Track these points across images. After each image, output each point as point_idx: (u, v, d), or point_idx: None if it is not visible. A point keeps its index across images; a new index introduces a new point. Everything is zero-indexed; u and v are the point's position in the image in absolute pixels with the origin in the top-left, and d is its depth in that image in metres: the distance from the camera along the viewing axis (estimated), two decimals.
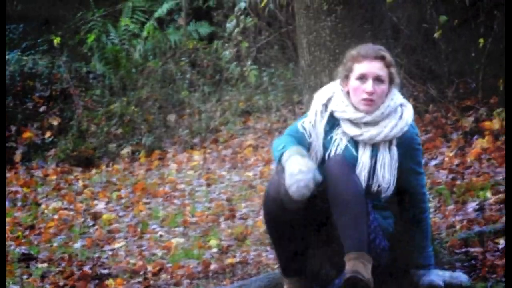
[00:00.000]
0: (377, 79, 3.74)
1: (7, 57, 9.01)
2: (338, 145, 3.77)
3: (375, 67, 3.76)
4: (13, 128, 8.64)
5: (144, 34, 9.73)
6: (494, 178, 5.74)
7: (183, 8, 9.83)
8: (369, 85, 3.73)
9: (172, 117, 8.77)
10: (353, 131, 3.76)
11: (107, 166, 8.17)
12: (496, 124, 6.84)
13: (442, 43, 7.71)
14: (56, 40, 9.26)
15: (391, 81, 3.79)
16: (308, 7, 4.22)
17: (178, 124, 8.72)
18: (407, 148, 3.79)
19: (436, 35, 7.47)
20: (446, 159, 6.44)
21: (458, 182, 5.85)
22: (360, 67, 3.76)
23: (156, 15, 9.93)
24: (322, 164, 3.71)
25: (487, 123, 6.89)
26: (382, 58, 3.78)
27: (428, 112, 7.51)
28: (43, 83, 9.17)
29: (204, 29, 10.02)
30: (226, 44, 9.14)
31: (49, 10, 10.25)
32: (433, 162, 6.44)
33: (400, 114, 3.79)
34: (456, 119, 7.22)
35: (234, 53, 8.99)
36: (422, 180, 3.89)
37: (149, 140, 8.46)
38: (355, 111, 3.76)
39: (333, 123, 3.82)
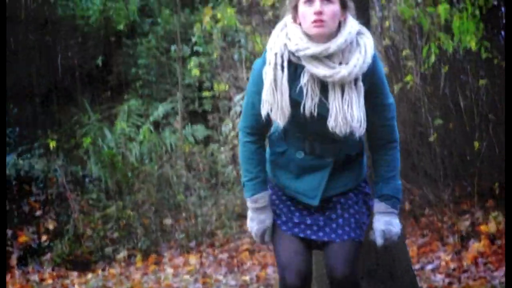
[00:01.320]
0: (323, 0, 3.54)
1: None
2: (311, 96, 3.58)
3: None
4: (9, 232, 8.78)
5: (140, 137, 9.99)
6: (491, 283, 5.86)
7: (178, 112, 10.07)
8: (317, 4, 3.53)
9: (168, 221, 8.95)
10: (322, 71, 3.55)
11: (103, 270, 8.33)
12: (492, 227, 7.00)
13: (438, 146, 7.91)
14: (52, 144, 9.50)
15: (343, 5, 3.60)
16: None
17: (174, 228, 8.90)
18: (371, 82, 3.65)
19: (431, 138, 7.70)
20: (443, 263, 6.59)
21: (455, 286, 5.97)
22: None
23: (152, 118, 10.20)
24: (293, 118, 3.58)
25: (483, 227, 7.06)
26: None
27: (424, 215, 7.68)
28: (39, 187, 9.35)
29: (200, 132, 10.27)
30: (222, 148, 9.37)
31: (45, 114, 10.49)
32: (430, 266, 6.58)
33: (363, 46, 3.60)
34: (452, 222, 7.38)
35: (230, 157, 9.20)
36: (390, 112, 3.74)
37: (145, 244, 8.64)
38: (317, 44, 3.54)
39: (294, 71, 3.61)
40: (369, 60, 3.58)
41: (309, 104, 3.56)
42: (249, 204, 3.74)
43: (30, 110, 10.57)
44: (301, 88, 3.56)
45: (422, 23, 7.97)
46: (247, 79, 9.07)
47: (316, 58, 3.54)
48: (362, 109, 3.58)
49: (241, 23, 9.55)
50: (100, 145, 9.88)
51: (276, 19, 8.79)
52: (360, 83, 3.57)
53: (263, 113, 3.59)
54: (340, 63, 3.55)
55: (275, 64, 3.58)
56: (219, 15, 9.43)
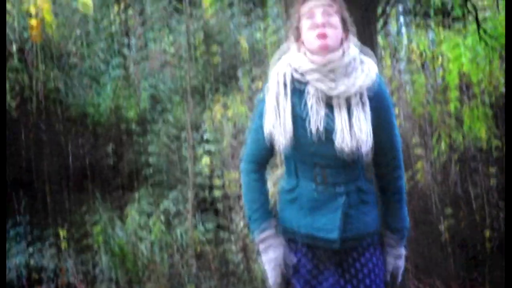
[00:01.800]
0: (326, 14, 3.66)
1: (13, 249, 9.26)
2: (316, 111, 3.64)
3: (321, 2, 3.69)
4: None
5: (150, 225, 9.98)
6: None
7: (189, 199, 10.14)
8: (318, 18, 3.65)
9: None
10: (326, 84, 3.63)
11: None
12: None
13: (448, 234, 7.94)
14: (62, 233, 9.54)
15: (343, 21, 3.72)
16: None
17: None
18: (378, 103, 3.70)
19: (441, 227, 7.74)
20: None
21: None
22: (306, 6, 3.71)
23: (162, 207, 10.24)
24: (300, 139, 3.64)
25: None
26: (329, 5, 3.71)
27: None
28: (49, 276, 9.36)
29: (211, 220, 10.30)
30: (233, 236, 9.40)
31: (55, 202, 10.58)
32: None
33: (366, 63, 3.72)
34: None
35: (241, 245, 9.22)
36: (395, 136, 3.80)
37: None
38: (319, 57, 3.64)
39: (297, 90, 3.70)
40: (373, 75, 3.67)
41: (315, 118, 3.61)
42: (257, 239, 3.78)
43: (40, 198, 10.64)
44: (306, 103, 3.64)
45: (431, 111, 8.10)
46: None
47: (319, 72, 3.62)
48: (369, 125, 3.64)
49: (251, 110, 9.67)
50: (111, 234, 9.91)
51: None
52: (366, 99, 3.65)
53: (265, 132, 3.68)
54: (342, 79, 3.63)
55: (277, 82, 3.68)
56: (229, 103, 9.58)
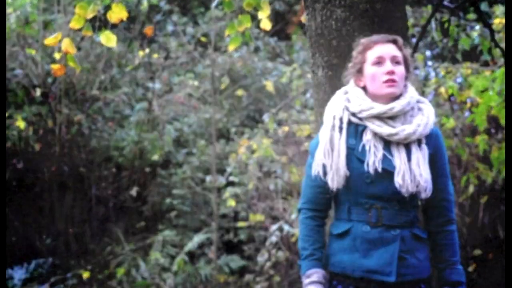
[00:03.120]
0: (394, 61, 3.74)
1: None
2: (374, 152, 3.66)
3: (389, 48, 3.76)
4: None
5: (175, 268, 10.14)
6: None
7: (213, 242, 10.23)
8: (388, 65, 3.71)
9: None
10: (387, 130, 3.67)
11: None
12: None
13: (476, 277, 7.96)
14: (86, 275, 9.67)
15: (406, 66, 3.77)
16: None
17: None
18: (435, 148, 3.75)
19: (470, 269, 7.78)
20: None
21: None
22: (374, 52, 3.76)
23: (186, 248, 10.34)
24: (358, 179, 3.67)
25: None
26: (394, 41, 3.79)
27: None
28: None
29: (235, 263, 10.40)
30: (258, 278, 9.47)
31: (78, 244, 10.69)
32: None
33: (425, 110, 3.75)
34: None
35: (266, 287, 9.27)
36: (450, 186, 3.81)
37: None
38: (382, 104, 3.69)
39: (354, 132, 3.74)
40: (431, 123, 3.72)
41: (373, 160, 3.63)
42: (303, 281, 3.73)
43: (63, 240, 10.77)
44: (363, 146, 3.67)
45: (460, 154, 8.19)
46: (284, 209, 9.36)
47: (379, 118, 3.68)
48: (428, 171, 3.66)
49: (277, 154, 9.81)
50: (134, 276, 10.01)
51: None
52: (424, 145, 3.68)
53: (313, 173, 3.71)
54: (402, 125, 3.68)
55: (333, 126, 3.72)
56: (254, 146, 9.73)
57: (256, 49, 12.76)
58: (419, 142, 3.69)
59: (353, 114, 3.73)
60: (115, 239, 10.74)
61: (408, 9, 9.31)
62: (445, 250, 3.76)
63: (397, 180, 3.62)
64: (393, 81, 3.69)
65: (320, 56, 4.44)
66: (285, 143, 10.08)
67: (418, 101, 3.78)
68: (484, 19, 5.93)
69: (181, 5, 14.20)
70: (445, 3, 6.02)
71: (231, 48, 6.35)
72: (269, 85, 10.87)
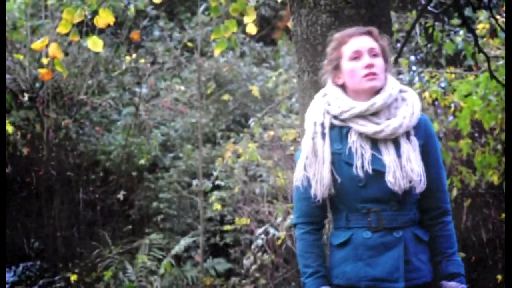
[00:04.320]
0: (372, 53, 3.55)
1: None
2: (362, 154, 3.48)
3: (365, 41, 3.58)
4: None
5: (161, 270, 10.10)
6: None
7: (200, 245, 10.18)
8: (366, 58, 3.53)
9: None
10: (371, 128, 3.49)
11: None
12: None
13: None
14: (73, 278, 9.62)
15: (385, 57, 3.59)
16: None
17: None
18: (425, 138, 3.55)
19: None
20: None
21: None
22: (350, 46, 3.57)
23: (173, 252, 10.29)
24: (350, 184, 3.48)
25: None
26: (369, 33, 3.62)
27: None
28: None
29: (222, 265, 10.37)
30: (243, 281, 9.44)
31: (66, 247, 10.62)
32: None
33: (409, 99, 3.57)
34: None
35: None
36: (444, 176, 3.62)
37: None
38: (363, 102, 3.50)
39: (338, 136, 3.55)
40: (417, 112, 3.53)
41: (361, 162, 3.45)
42: None
43: (51, 243, 10.69)
44: (350, 149, 3.48)
45: (444, 158, 8.17)
46: (269, 213, 9.31)
47: (362, 117, 3.50)
48: (421, 164, 3.48)
49: (263, 158, 9.77)
50: (121, 279, 9.95)
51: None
52: (413, 137, 3.50)
53: (295, 183, 3.54)
54: (388, 120, 3.50)
55: (315, 132, 3.53)
56: (240, 150, 9.68)
57: (242, 54, 12.75)
58: (407, 134, 3.50)
59: (335, 117, 3.56)
60: (103, 243, 10.66)
61: (393, 14, 9.29)
62: (441, 241, 3.57)
63: (388, 179, 3.44)
64: (373, 74, 3.50)
65: (306, 61, 4.41)
66: (270, 147, 10.04)
67: (400, 91, 3.59)
68: (468, 25, 5.91)
69: (168, 10, 14.16)
70: (430, 8, 6.00)
71: (217, 53, 6.31)
72: (255, 90, 10.82)
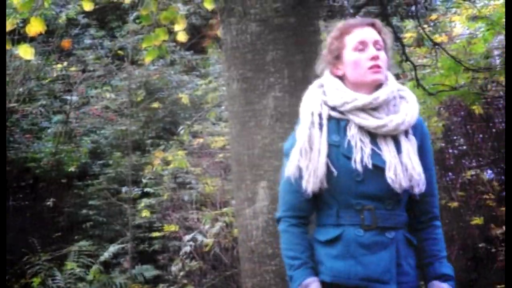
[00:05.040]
0: (376, 46, 3.39)
1: None
2: (361, 148, 3.30)
3: (370, 32, 3.41)
4: None
5: (90, 277, 10.01)
6: None
7: (128, 252, 10.10)
8: (371, 50, 3.36)
9: None
10: (374, 122, 3.32)
11: None
12: None
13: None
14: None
15: (386, 53, 3.44)
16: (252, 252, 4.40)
17: None
18: (421, 138, 3.42)
19: None
20: None
21: None
22: (355, 36, 3.40)
23: (101, 258, 10.20)
24: (347, 178, 3.29)
25: None
26: (372, 25, 3.45)
27: None
28: None
29: (149, 272, 10.31)
30: (171, 287, 9.38)
31: None
32: None
33: (408, 97, 3.44)
34: None
35: None
36: (435, 180, 3.48)
37: None
38: (366, 94, 3.33)
39: (336, 128, 3.38)
40: (416, 111, 3.40)
41: (360, 156, 3.27)
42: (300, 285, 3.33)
43: None
44: (349, 142, 3.31)
45: None
46: (197, 219, 9.27)
47: (363, 110, 3.33)
48: (420, 163, 3.34)
49: (192, 165, 9.73)
50: (50, 285, 9.82)
51: (226, 160, 9.06)
52: (412, 136, 3.36)
53: (286, 174, 3.36)
54: (387, 116, 3.36)
55: (312, 122, 3.35)
56: (169, 157, 9.63)
57: (172, 62, 12.71)
58: (406, 133, 3.35)
59: (333, 108, 3.37)
60: (32, 249, 10.50)
61: (322, 23, 9.34)
62: (432, 244, 3.40)
63: (389, 175, 3.25)
64: (378, 67, 3.33)
65: (235, 69, 4.41)
66: (199, 155, 10.02)
67: (398, 89, 3.45)
68: (395, 33, 5.92)
69: (99, 18, 14.06)
70: (358, 17, 6.05)
71: (147, 60, 6.27)
72: (185, 98, 10.79)
